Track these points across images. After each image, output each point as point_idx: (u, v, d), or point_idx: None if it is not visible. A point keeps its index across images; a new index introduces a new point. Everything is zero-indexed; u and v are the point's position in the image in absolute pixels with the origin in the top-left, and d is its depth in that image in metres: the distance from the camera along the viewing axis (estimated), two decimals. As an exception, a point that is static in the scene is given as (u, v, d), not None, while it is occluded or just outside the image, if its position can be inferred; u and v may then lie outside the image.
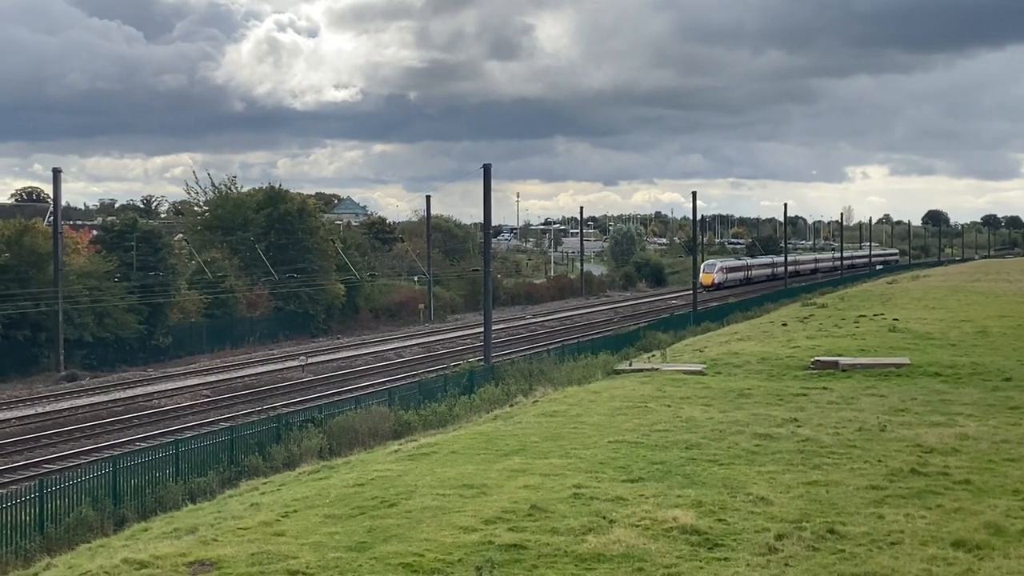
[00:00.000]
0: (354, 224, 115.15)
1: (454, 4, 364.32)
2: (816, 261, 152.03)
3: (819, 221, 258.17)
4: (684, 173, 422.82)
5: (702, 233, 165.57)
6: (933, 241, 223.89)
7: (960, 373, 35.54)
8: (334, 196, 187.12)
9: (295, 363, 56.19)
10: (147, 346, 59.84)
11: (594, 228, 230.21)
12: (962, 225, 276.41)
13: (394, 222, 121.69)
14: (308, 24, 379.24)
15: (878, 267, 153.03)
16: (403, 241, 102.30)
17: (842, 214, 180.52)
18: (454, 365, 47.74)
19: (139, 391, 48.89)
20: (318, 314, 73.80)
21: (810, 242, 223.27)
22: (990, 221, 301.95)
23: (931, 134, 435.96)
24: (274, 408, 41.57)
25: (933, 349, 41.93)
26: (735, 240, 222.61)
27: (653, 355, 45.12)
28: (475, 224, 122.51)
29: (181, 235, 77.83)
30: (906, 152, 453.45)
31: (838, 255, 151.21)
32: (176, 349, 61.48)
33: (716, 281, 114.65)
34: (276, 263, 73.42)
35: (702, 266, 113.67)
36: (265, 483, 24.28)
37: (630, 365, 40.42)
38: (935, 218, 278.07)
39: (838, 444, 23.61)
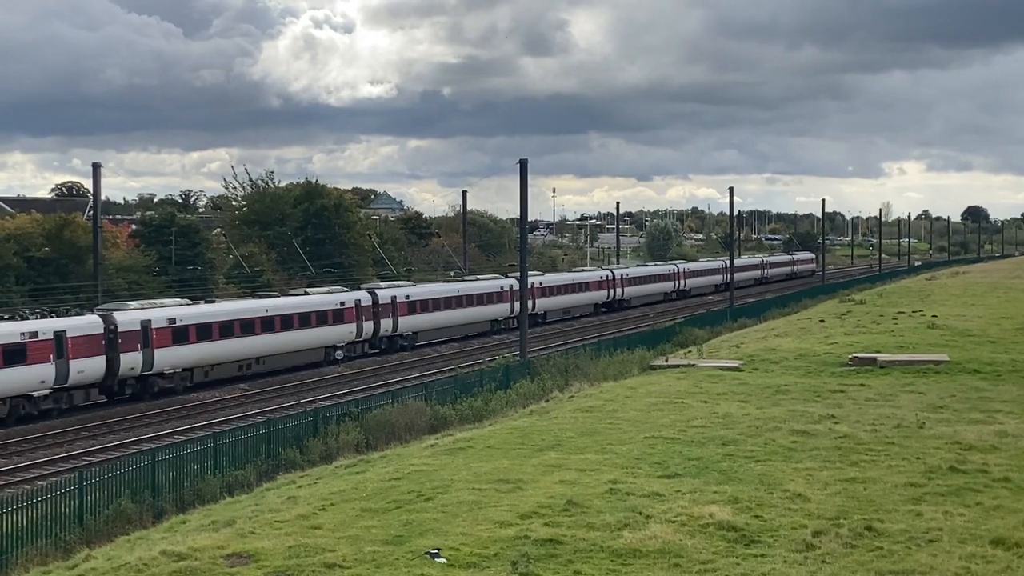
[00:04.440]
0: (390, 219, 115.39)
1: (488, 0, 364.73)
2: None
3: (857, 217, 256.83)
4: (719, 169, 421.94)
5: (739, 229, 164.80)
6: (972, 237, 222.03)
7: (1000, 370, 35.19)
8: (370, 191, 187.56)
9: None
10: (185, 340, 60.09)
11: (630, 223, 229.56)
12: (1002, 221, 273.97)
13: (430, 217, 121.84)
14: (343, 20, 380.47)
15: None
16: (439, 236, 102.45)
17: (880, 210, 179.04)
18: (490, 360, 47.77)
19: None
20: (355, 309, 73.74)
21: (848, 238, 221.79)
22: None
23: (968, 129, 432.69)
24: (311, 402, 41.77)
25: (972, 346, 41.52)
26: (772, 236, 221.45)
27: (689, 351, 44.97)
28: (511, 219, 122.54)
29: (219, 229, 78.49)
30: (943, 148, 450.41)
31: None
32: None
33: None
34: (313, 258, 73.78)
35: None
36: (302, 476, 24.39)
37: (666, 361, 40.29)
38: (975, 214, 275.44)
39: (876, 441, 23.46)
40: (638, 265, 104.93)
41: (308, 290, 57.53)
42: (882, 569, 14.98)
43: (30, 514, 21.73)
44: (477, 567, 15.20)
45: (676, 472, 20.67)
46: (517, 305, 68.19)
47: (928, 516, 17.44)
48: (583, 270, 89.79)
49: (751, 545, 16.12)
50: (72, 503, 22.91)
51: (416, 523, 17.33)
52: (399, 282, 66.26)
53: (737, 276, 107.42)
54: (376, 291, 59.57)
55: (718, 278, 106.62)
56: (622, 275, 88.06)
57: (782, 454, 22.27)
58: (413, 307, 61.59)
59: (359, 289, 60.07)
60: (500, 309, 70.23)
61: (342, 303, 55.64)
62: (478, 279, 72.25)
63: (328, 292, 56.90)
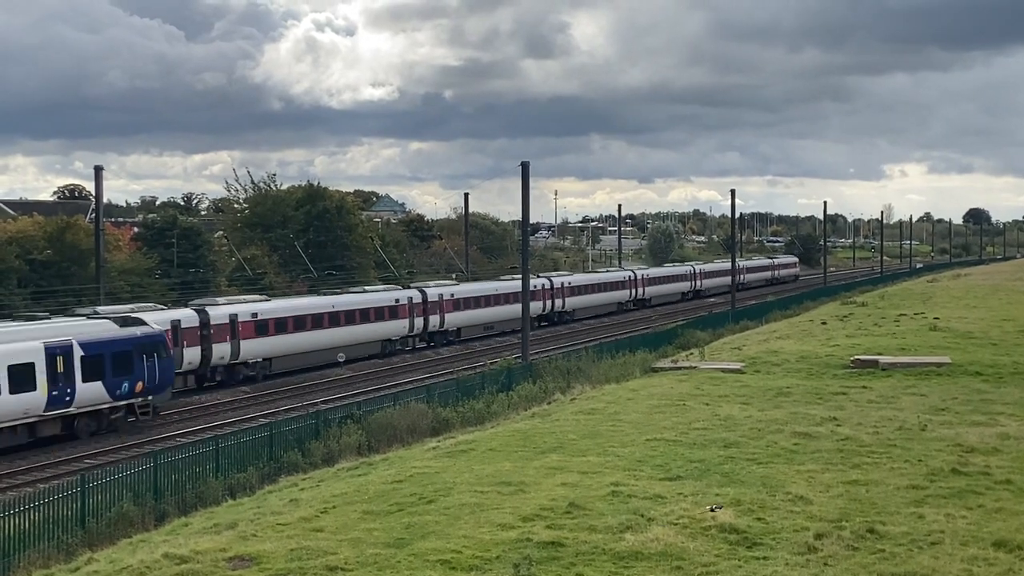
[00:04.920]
0: (392, 221, 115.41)
1: (490, 3, 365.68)
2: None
3: (859, 219, 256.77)
4: (720, 171, 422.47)
5: (740, 231, 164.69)
6: (974, 239, 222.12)
7: (1001, 372, 35.20)
8: (372, 193, 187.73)
9: (334, 359, 56.31)
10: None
11: (632, 226, 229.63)
12: (1003, 223, 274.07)
13: (432, 219, 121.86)
14: (345, 23, 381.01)
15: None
16: (441, 239, 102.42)
17: (882, 212, 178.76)
18: (492, 362, 47.75)
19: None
20: (356, 311, 73.55)
21: (849, 240, 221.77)
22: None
23: (969, 132, 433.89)
24: (313, 404, 41.77)
25: (974, 348, 41.53)
26: (774, 239, 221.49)
27: (691, 353, 44.92)
28: (512, 221, 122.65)
29: (221, 232, 78.49)
30: (944, 150, 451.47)
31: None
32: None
33: None
34: (315, 260, 73.82)
35: None
36: (304, 479, 24.40)
37: (671, 363, 40.29)
38: (976, 216, 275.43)
39: (878, 443, 23.45)
40: (587, 272, 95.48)
41: (99, 309, 42.44)
42: (884, 572, 14.98)
43: (32, 517, 21.76)
44: (479, 569, 15.20)
45: (678, 475, 20.67)
46: (418, 322, 61.22)
47: (930, 518, 17.43)
48: (512, 278, 71.67)
49: (753, 548, 16.12)
50: (74, 506, 22.94)
51: (418, 526, 17.34)
52: (250, 296, 53.73)
53: (705, 283, 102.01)
54: (207, 308, 47.58)
55: (684, 285, 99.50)
56: (562, 284, 78.14)
57: (784, 456, 22.27)
58: (263, 328, 49.63)
59: (185, 307, 48.12)
60: (394, 327, 59.21)
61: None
62: (365, 290, 60.24)
63: (130, 312, 42.26)
